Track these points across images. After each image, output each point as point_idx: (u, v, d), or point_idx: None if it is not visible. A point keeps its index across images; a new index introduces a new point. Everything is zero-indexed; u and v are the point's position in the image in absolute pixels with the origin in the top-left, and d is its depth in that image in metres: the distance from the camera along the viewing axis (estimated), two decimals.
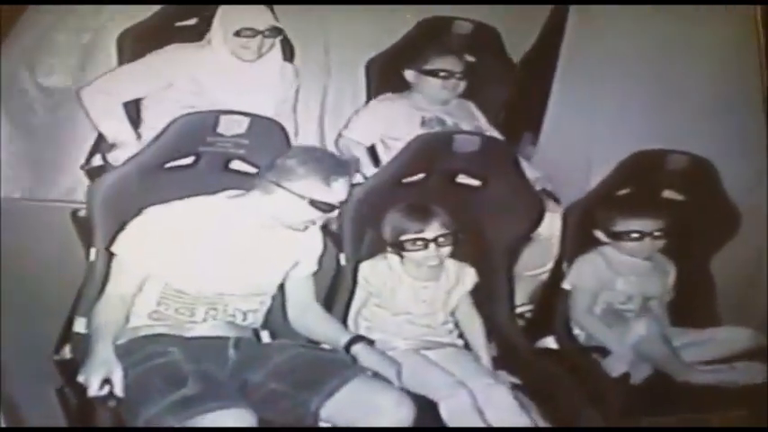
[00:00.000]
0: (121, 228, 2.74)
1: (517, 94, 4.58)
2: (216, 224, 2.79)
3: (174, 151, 2.93)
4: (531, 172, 4.09)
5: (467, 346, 3.22)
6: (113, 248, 2.74)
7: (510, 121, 4.51)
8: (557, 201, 3.97)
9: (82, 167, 3.73)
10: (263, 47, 3.61)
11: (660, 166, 3.62)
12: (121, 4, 4.10)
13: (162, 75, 3.59)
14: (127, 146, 3.41)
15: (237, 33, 3.57)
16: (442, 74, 3.94)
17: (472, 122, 4.09)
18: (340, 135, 4.04)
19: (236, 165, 2.98)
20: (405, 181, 3.29)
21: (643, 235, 3.45)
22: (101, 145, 3.61)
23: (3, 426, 3.02)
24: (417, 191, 3.28)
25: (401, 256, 3.12)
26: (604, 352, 3.40)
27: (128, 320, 2.76)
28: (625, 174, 3.63)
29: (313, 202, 2.74)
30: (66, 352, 2.88)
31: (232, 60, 3.61)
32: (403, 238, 3.08)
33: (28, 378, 3.04)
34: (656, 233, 3.46)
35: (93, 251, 2.87)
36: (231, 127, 2.94)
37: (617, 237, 3.48)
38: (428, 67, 3.96)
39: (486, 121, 4.21)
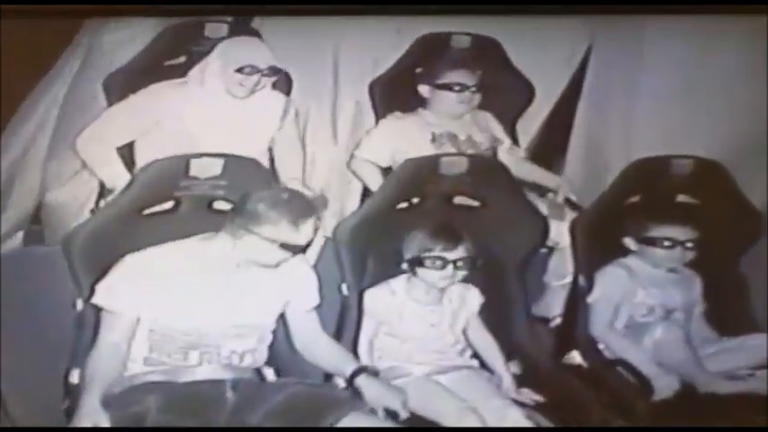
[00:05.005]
0: (102, 277, 2.76)
1: (548, 125, 4.66)
2: (193, 267, 2.80)
3: (148, 198, 2.93)
4: (552, 179, 4.11)
5: (483, 365, 3.18)
6: (94, 299, 2.77)
7: (541, 149, 4.60)
8: (579, 209, 3.90)
9: (92, 211, 3.74)
10: (258, 84, 3.58)
11: (667, 172, 3.53)
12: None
13: (148, 115, 3.58)
14: None
15: (239, 70, 3.55)
16: (456, 87, 3.87)
17: (487, 134, 4.03)
18: (352, 156, 4.02)
19: (220, 205, 2.96)
20: (399, 207, 3.25)
21: (675, 243, 3.37)
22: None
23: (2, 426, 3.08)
24: (415, 215, 3.24)
25: (414, 274, 3.09)
26: (630, 366, 3.30)
27: (126, 368, 2.78)
28: (632, 181, 3.55)
29: (283, 245, 2.75)
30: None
31: (221, 97, 3.58)
32: (425, 254, 3.05)
33: None
34: (689, 243, 3.38)
35: (78, 301, 2.88)
36: (204, 169, 2.94)
37: (648, 242, 3.40)
38: (442, 81, 3.90)
39: (503, 131, 4.15)
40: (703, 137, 4.18)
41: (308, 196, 2.86)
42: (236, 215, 2.80)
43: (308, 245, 2.80)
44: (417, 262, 3.07)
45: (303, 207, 2.77)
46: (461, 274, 3.09)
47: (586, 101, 4.64)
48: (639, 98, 4.53)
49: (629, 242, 3.45)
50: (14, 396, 3.13)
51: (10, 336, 3.17)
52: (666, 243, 3.38)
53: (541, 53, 4.51)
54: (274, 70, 3.61)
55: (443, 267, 3.06)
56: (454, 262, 3.05)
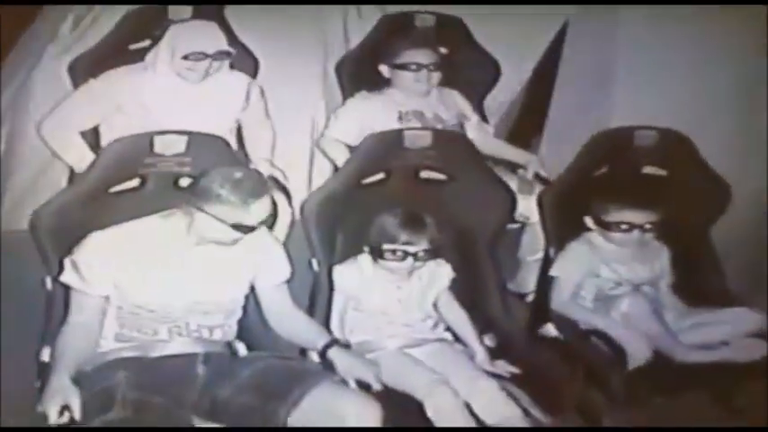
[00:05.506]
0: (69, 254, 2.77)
1: (526, 105, 4.82)
2: (156, 244, 2.81)
3: (114, 175, 2.93)
4: (522, 155, 4.16)
5: (457, 339, 3.18)
6: (62, 278, 2.77)
7: (520, 128, 4.75)
8: (549, 184, 3.91)
9: None
10: (210, 69, 3.60)
11: (631, 143, 3.56)
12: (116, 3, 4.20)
13: (111, 99, 3.61)
14: None
15: (186, 57, 3.56)
16: (413, 66, 3.91)
17: (454, 111, 4.08)
18: (321, 135, 4.05)
19: (185, 182, 2.95)
20: (365, 182, 3.26)
21: (633, 227, 3.37)
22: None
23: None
24: (381, 190, 3.25)
25: (375, 261, 3.10)
26: (604, 336, 3.30)
27: (98, 345, 2.79)
28: (597, 153, 3.58)
29: (234, 225, 2.73)
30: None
31: (176, 81, 3.61)
32: (386, 246, 3.04)
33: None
34: (647, 226, 3.38)
35: (48, 279, 2.89)
36: (168, 147, 2.95)
37: (606, 226, 3.40)
38: (399, 60, 3.94)
39: (471, 108, 4.20)
40: (679, 114, 4.20)
41: (263, 176, 2.85)
42: (189, 193, 2.79)
43: (263, 224, 2.79)
44: (378, 252, 3.06)
45: (254, 187, 2.74)
46: (421, 264, 3.08)
47: (562, 80, 4.74)
48: (616, 76, 4.63)
49: (588, 222, 3.46)
50: None
51: None
52: (624, 227, 3.38)
53: (514, 32, 4.59)
54: (224, 54, 3.63)
55: (403, 259, 3.05)
56: (414, 254, 3.04)
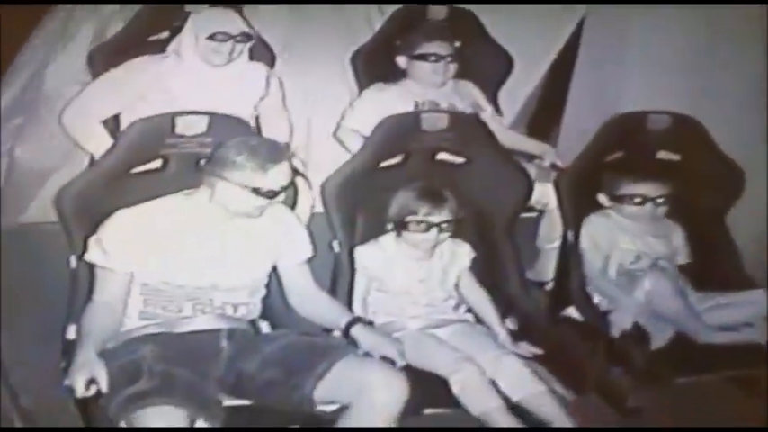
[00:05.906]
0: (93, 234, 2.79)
1: (544, 98, 4.87)
2: (181, 222, 2.83)
3: (136, 155, 2.95)
4: (537, 146, 4.20)
5: (479, 320, 3.20)
6: (87, 256, 2.79)
7: (538, 121, 4.81)
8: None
9: None
10: (233, 52, 3.66)
11: (644, 127, 3.59)
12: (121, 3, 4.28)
13: (133, 88, 3.65)
14: None
15: (211, 37, 3.62)
16: (431, 58, 3.95)
17: (469, 102, 4.11)
18: (338, 126, 4.08)
19: None
20: (383, 164, 3.28)
21: (645, 200, 3.42)
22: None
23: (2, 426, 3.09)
24: (399, 172, 3.27)
25: (399, 235, 3.12)
26: None
27: (122, 324, 2.80)
28: (611, 137, 3.60)
29: (255, 190, 2.76)
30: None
31: (201, 66, 3.67)
32: (409, 219, 3.08)
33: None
34: (659, 199, 3.43)
35: (72, 258, 2.90)
36: (190, 127, 2.97)
37: (619, 200, 3.45)
38: (418, 52, 3.98)
39: (486, 99, 4.23)
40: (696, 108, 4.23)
41: (280, 144, 2.87)
42: (207, 164, 2.83)
43: (285, 190, 2.81)
44: (402, 225, 3.10)
45: (271, 152, 2.77)
46: (445, 236, 3.11)
47: (579, 72, 4.77)
48: (632, 68, 4.64)
49: (602, 199, 3.51)
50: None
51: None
52: (637, 200, 3.43)
53: (532, 26, 4.65)
54: (247, 36, 3.70)
55: (427, 230, 3.08)
56: (438, 225, 3.07)
